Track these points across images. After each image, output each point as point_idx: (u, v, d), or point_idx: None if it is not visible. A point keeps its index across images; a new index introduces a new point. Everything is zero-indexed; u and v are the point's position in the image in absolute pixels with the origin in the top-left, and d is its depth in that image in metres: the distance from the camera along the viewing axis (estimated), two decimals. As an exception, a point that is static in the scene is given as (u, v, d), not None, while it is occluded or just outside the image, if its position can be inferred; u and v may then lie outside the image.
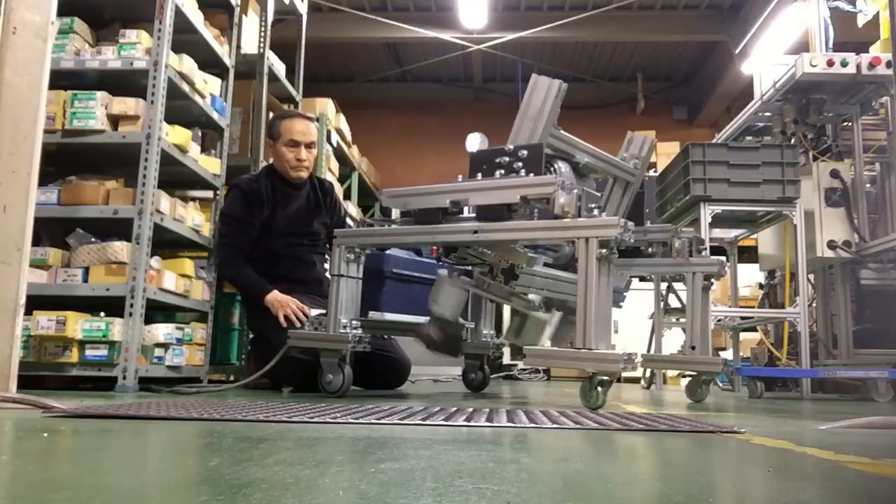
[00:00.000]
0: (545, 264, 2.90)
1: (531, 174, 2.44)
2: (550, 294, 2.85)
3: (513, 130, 2.67)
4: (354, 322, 2.75)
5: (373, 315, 2.88)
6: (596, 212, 2.43)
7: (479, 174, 2.56)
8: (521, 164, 2.49)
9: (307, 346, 2.76)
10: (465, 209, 2.68)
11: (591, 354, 2.22)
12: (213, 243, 3.55)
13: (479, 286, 2.80)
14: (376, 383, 3.43)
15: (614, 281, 2.89)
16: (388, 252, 3.09)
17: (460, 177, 2.64)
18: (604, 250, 2.27)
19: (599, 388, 2.29)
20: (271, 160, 3.58)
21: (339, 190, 4.65)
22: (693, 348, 2.98)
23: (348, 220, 4.00)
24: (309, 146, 3.49)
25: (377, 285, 2.92)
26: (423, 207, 2.65)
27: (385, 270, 3.01)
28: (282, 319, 3.22)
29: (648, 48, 9.01)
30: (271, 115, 3.92)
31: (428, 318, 2.83)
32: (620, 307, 3.39)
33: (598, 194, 2.95)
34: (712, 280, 3.05)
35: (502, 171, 2.52)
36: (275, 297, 3.28)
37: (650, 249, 3.18)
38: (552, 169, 2.63)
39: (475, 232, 2.52)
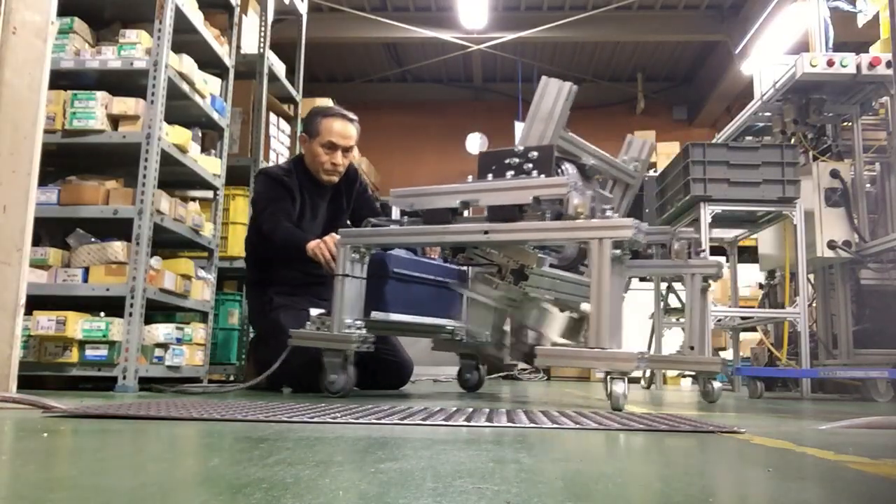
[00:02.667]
0: (550, 265, 2.91)
1: (541, 175, 2.46)
2: (558, 295, 2.85)
3: (522, 131, 2.67)
4: (358, 322, 2.74)
5: (376, 315, 2.86)
6: (610, 213, 2.43)
7: (490, 175, 2.56)
8: (531, 165, 2.49)
9: (310, 345, 2.74)
10: (466, 210, 2.69)
11: (604, 354, 2.24)
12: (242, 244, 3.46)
13: (495, 292, 2.81)
14: (378, 384, 3.43)
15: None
16: (390, 252, 3.06)
17: (470, 177, 2.63)
18: (617, 251, 2.27)
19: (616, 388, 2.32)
20: (301, 152, 3.43)
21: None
22: (692, 348, 2.98)
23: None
24: (346, 150, 3.32)
25: (379, 285, 2.89)
26: (431, 208, 2.63)
27: (387, 270, 2.98)
28: (325, 266, 3.01)
29: (648, 48, 9.01)
30: (311, 108, 3.67)
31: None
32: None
33: (611, 196, 2.96)
34: (710, 281, 3.05)
35: (512, 172, 2.52)
36: (315, 243, 3.06)
37: (649, 251, 3.19)
38: (560, 170, 2.65)
39: (486, 232, 2.51)
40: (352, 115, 3.39)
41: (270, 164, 4.29)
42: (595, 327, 2.26)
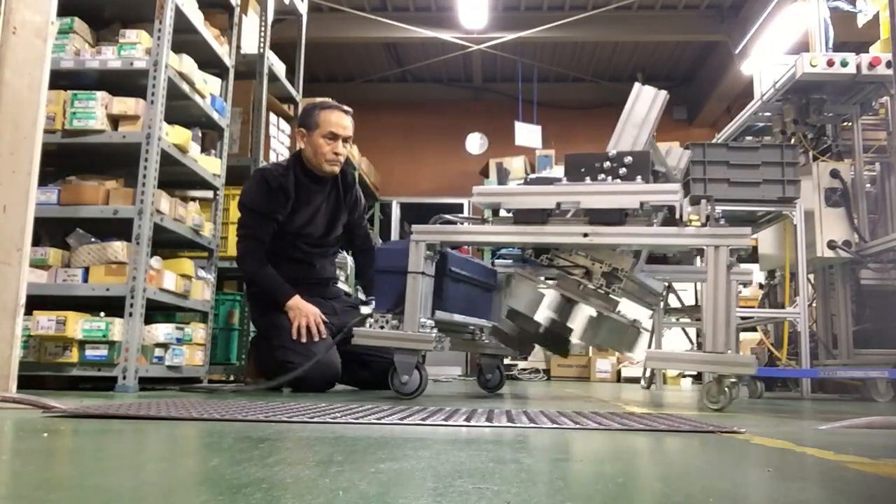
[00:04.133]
0: None
1: (638, 180, 2.47)
2: (640, 298, 2.84)
3: (613, 136, 2.70)
4: (431, 322, 2.67)
5: (440, 315, 2.77)
6: (722, 221, 2.44)
7: (587, 178, 2.55)
8: (625, 169, 2.49)
9: (379, 345, 2.69)
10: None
11: (722, 357, 2.25)
12: (234, 236, 3.49)
13: (564, 286, 2.78)
14: (378, 384, 3.43)
15: (652, 284, 2.91)
16: (448, 250, 2.95)
17: (564, 179, 2.62)
18: (733, 258, 2.30)
19: (727, 391, 2.31)
20: (299, 148, 3.47)
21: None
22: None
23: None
24: (346, 140, 3.43)
25: (437, 284, 2.79)
26: (524, 208, 2.61)
27: (445, 269, 2.85)
28: (294, 332, 3.18)
29: (648, 48, 9.01)
30: (307, 104, 3.77)
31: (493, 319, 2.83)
32: (654, 310, 3.38)
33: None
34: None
35: (603, 176, 2.52)
36: (296, 303, 3.24)
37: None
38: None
39: (585, 235, 2.48)
40: (347, 108, 3.50)
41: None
42: (711, 332, 2.27)
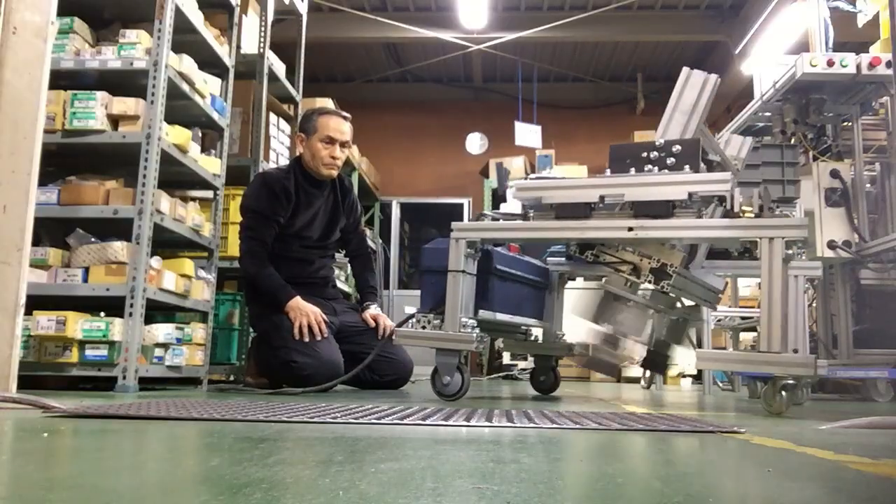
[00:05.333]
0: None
1: (686, 170, 2.33)
2: (692, 295, 2.68)
3: (661, 124, 2.55)
4: (473, 321, 2.59)
5: (483, 314, 2.70)
6: (778, 210, 2.30)
7: (632, 169, 2.42)
8: (673, 159, 2.36)
9: (419, 345, 2.64)
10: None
11: (777, 358, 2.11)
12: (236, 237, 3.50)
13: (613, 283, 2.67)
14: (378, 384, 3.44)
15: (711, 281, 2.78)
16: (494, 248, 2.85)
17: (608, 171, 2.50)
18: (789, 251, 2.17)
19: (784, 393, 2.17)
20: (298, 153, 3.53)
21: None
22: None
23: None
24: (343, 145, 3.48)
25: (483, 283, 2.72)
26: (566, 202, 2.49)
27: (491, 267, 2.78)
28: (295, 331, 3.19)
29: (648, 48, 9.01)
30: (307, 110, 3.78)
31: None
32: (715, 308, 3.29)
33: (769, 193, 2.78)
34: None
35: (649, 167, 2.39)
36: (297, 304, 3.25)
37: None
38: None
39: (630, 229, 2.35)
40: (345, 114, 3.56)
41: (271, 164, 4.29)
42: (766, 330, 2.13)
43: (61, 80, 2.93)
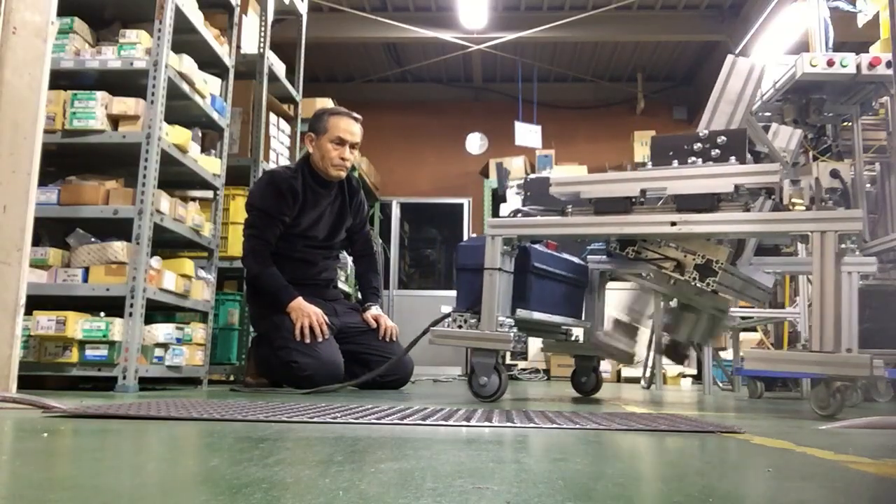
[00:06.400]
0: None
1: (733, 161, 2.25)
2: (740, 292, 2.58)
3: (704, 115, 2.48)
4: (510, 321, 2.54)
5: (520, 313, 2.63)
6: (831, 203, 2.20)
7: (675, 161, 2.35)
8: (718, 151, 2.28)
9: (455, 345, 2.60)
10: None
11: (831, 358, 2.01)
12: (240, 236, 3.46)
13: (655, 281, 2.57)
14: (379, 384, 3.44)
15: (760, 279, 2.68)
16: (531, 245, 2.78)
17: (649, 164, 2.43)
18: (843, 245, 2.08)
19: (838, 395, 2.08)
20: (308, 152, 3.51)
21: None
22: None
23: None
24: (353, 146, 3.47)
25: (519, 281, 2.65)
26: (606, 196, 2.41)
27: (528, 265, 2.70)
28: (297, 332, 3.17)
29: (648, 48, 9.01)
30: (318, 109, 3.73)
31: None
32: (762, 306, 3.20)
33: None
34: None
35: (693, 159, 2.31)
36: (299, 305, 3.24)
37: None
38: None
39: (673, 223, 2.27)
40: (356, 115, 3.54)
41: (271, 164, 4.29)
42: (818, 329, 2.04)
43: (61, 80, 2.93)
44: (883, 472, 1.09)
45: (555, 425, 1.64)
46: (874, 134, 4.44)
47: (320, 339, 3.20)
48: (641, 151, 8.29)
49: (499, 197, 8.08)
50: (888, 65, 3.92)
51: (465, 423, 1.64)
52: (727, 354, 5.30)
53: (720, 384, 5.06)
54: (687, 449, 1.36)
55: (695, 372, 6.37)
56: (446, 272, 8.79)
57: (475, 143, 9.61)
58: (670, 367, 6.31)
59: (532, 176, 7.31)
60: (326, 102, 6.25)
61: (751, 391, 3.79)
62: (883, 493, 0.97)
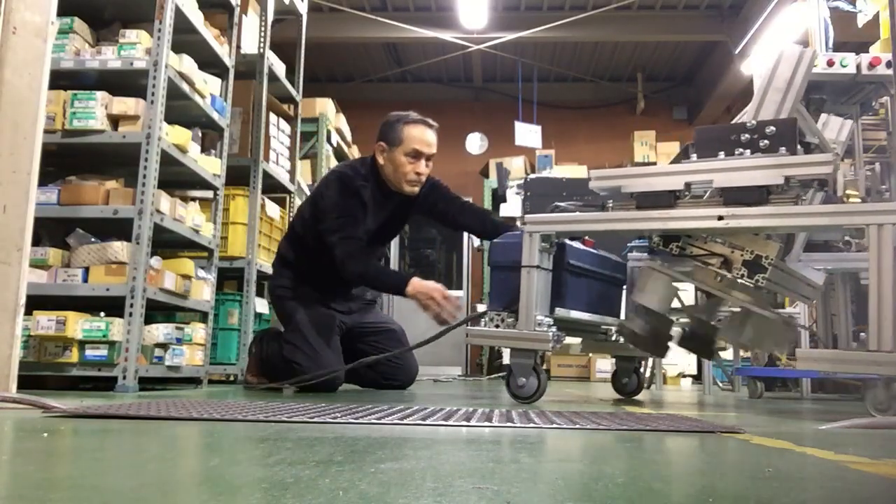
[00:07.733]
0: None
1: (783, 152, 2.17)
2: (787, 289, 2.48)
3: (751, 105, 2.40)
4: (549, 319, 2.46)
5: (558, 312, 2.54)
6: (888, 195, 2.10)
7: (721, 153, 2.27)
8: (766, 141, 2.18)
9: (493, 344, 2.55)
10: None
11: (891, 358, 1.93)
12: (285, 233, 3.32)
13: (700, 278, 2.46)
14: (383, 384, 3.44)
15: (811, 275, 2.58)
16: (567, 242, 2.68)
17: (694, 155, 2.35)
18: None
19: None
20: (377, 161, 3.21)
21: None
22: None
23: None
24: (429, 158, 3.17)
25: (557, 279, 2.57)
26: (648, 190, 2.33)
27: (564, 262, 2.62)
28: (433, 318, 2.91)
29: (648, 48, 9.01)
30: (391, 115, 3.41)
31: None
32: (811, 304, 3.10)
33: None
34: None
35: (740, 150, 2.23)
36: (420, 287, 2.91)
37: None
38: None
39: (720, 218, 2.18)
40: (432, 122, 3.26)
41: (271, 164, 4.29)
42: (876, 328, 1.94)
43: (61, 80, 2.93)
44: (883, 472, 1.09)
45: (554, 425, 1.64)
46: (874, 134, 4.44)
47: (452, 321, 2.91)
48: (641, 151, 8.30)
49: (499, 197, 8.08)
50: (888, 65, 3.92)
51: (465, 423, 1.64)
52: (727, 354, 5.30)
53: (720, 384, 5.06)
54: (687, 449, 1.36)
55: (695, 372, 6.38)
56: (446, 272, 8.78)
57: (475, 143, 9.60)
58: (670, 368, 6.32)
59: (532, 176, 7.32)
60: (326, 102, 6.25)
61: (751, 391, 3.79)
62: (883, 493, 0.97)
